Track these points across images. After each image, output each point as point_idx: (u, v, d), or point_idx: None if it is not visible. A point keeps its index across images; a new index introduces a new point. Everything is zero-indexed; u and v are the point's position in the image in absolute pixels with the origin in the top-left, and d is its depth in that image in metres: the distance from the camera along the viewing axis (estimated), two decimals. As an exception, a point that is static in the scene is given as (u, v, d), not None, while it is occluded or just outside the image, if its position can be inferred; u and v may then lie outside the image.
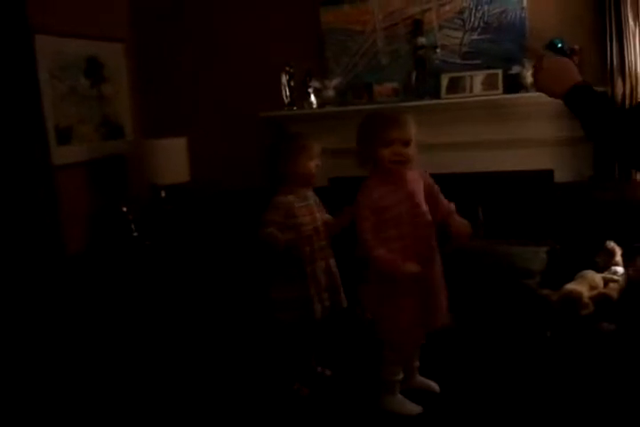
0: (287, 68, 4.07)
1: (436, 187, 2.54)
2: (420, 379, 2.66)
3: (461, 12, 3.87)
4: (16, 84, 3.58)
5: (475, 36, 3.86)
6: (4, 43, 3.52)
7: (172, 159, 4.12)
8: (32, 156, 3.64)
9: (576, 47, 3.57)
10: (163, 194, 4.17)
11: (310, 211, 2.70)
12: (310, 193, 2.76)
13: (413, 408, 2.51)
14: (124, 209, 4.06)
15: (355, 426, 2.48)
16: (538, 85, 1.99)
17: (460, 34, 3.89)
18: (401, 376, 2.56)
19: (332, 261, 2.77)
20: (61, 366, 3.03)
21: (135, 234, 4.05)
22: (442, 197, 2.53)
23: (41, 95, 3.75)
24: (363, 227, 2.40)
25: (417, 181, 2.49)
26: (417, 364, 2.66)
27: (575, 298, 2.77)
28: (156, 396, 2.78)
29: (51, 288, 3.52)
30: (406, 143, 2.39)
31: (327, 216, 2.77)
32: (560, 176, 3.64)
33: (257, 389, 2.78)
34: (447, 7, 3.90)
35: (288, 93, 4.10)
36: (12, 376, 2.94)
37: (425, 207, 2.47)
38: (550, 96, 1.93)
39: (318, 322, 2.74)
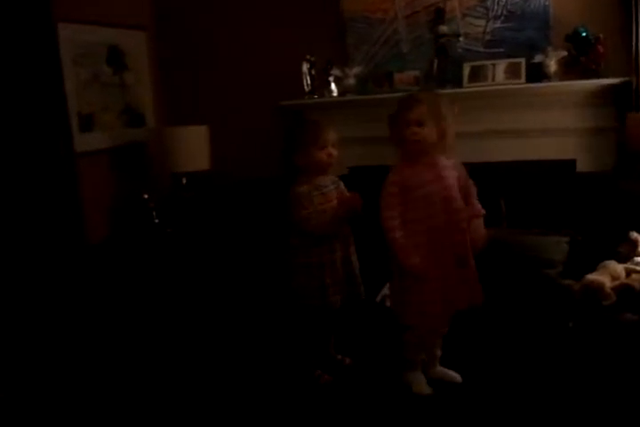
0: (308, 57, 4.06)
1: (472, 186, 2.59)
2: (442, 369, 2.66)
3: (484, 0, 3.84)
4: (39, 72, 3.61)
5: (497, 25, 3.83)
6: (27, 31, 3.55)
7: (193, 147, 4.13)
8: (55, 143, 3.67)
9: (600, 36, 3.52)
10: (183, 181, 4.19)
11: (328, 199, 2.67)
12: (329, 180, 2.73)
13: (425, 389, 2.54)
14: (146, 196, 4.09)
15: (374, 413, 2.48)
16: None
17: (482, 22, 3.86)
18: (423, 356, 2.59)
19: (352, 251, 2.76)
20: (82, 355, 3.06)
21: (156, 221, 4.07)
22: (475, 198, 2.58)
23: (64, 83, 3.77)
24: (387, 202, 2.45)
25: (449, 168, 2.52)
26: (439, 353, 2.66)
27: (597, 288, 2.75)
28: (174, 381, 2.81)
29: (73, 276, 3.55)
30: (419, 124, 2.42)
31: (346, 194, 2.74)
32: (583, 166, 3.60)
33: (277, 376, 2.80)
34: (470, -5, 3.88)
35: (309, 82, 4.10)
36: (30, 364, 2.99)
37: (456, 193, 2.50)
38: None
39: (336, 311, 2.74)
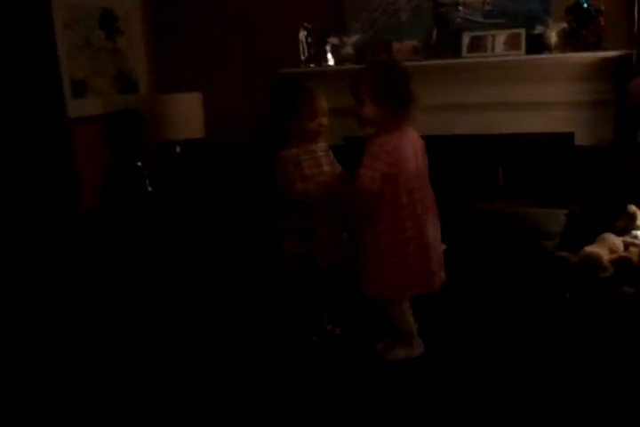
0: (305, 24, 4.00)
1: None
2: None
3: (485, -32, 3.79)
4: (31, 35, 3.54)
5: (498, -6, 3.78)
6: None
7: (187, 114, 4.08)
8: (47, 108, 3.62)
9: (602, 8, 3.49)
10: (177, 149, 4.15)
11: (317, 163, 2.64)
12: (319, 146, 2.69)
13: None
14: (139, 164, 4.05)
15: (361, 383, 2.49)
16: None
17: (483, -9, 3.82)
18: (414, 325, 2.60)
19: (340, 217, 2.73)
20: (75, 319, 3.06)
21: (150, 189, 4.04)
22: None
23: (56, 47, 3.70)
24: None
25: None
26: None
27: (594, 260, 2.76)
28: (167, 346, 2.84)
29: (66, 242, 3.52)
30: (360, 101, 2.43)
31: (339, 170, 2.70)
32: (581, 139, 3.61)
33: (271, 342, 2.81)
34: (470, -37, 3.82)
35: (306, 50, 4.05)
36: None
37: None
38: None
39: (325, 277, 2.73)
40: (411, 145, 2.48)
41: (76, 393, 2.56)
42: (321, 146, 2.70)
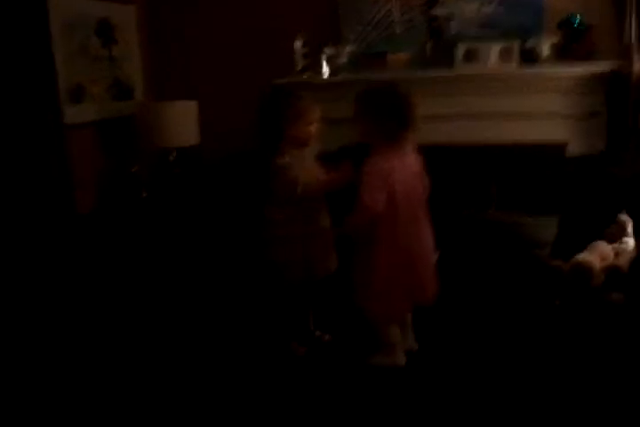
0: (301, 34, 4.04)
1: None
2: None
3: (478, -18, 3.85)
4: (29, 42, 3.55)
5: (491, 9, 3.83)
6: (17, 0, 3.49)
7: (182, 122, 4.09)
8: (44, 114, 3.62)
9: (593, 23, 3.55)
10: (172, 156, 4.16)
11: (309, 170, 2.68)
12: (308, 151, 2.73)
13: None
14: (134, 170, 4.06)
15: (347, 386, 2.53)
16: None
17: (476, 5, 3.86)
18: (399, 338, 2.62)
19: (329, 222, 2.77)
20: (68, 325, 3.07)
21: (144, 195, 4.05)
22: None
23: (53, 53, 3.71)
24: None
25: None
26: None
27: (586, 269, 2.80)
28: (157, 353, 2.86)
29: (61, 246, 3.53)
30: (354, 120, 2.56)
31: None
32: (573, 150, 3.65)
33: (254, 347, 2.85)
34: (465, -22, 3.87)
35: (301, 60, 4.08)
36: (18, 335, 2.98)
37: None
38: None
39: (318, 282, 2.78)
40: (407, 166, 2.51)
41: (74, 396, 2.57)
42: (310, 150, 2.74)
